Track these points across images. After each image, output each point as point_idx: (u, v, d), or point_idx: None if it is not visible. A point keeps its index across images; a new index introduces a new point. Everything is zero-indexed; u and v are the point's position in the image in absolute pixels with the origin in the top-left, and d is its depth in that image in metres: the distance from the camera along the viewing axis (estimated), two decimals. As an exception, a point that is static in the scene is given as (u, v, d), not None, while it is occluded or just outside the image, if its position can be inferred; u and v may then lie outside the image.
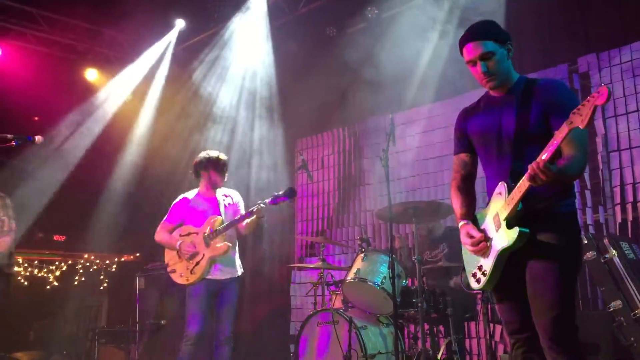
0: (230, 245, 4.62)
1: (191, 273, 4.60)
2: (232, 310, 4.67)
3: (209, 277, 4.59)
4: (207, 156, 4.80)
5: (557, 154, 2.33)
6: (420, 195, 6.57)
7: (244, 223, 4.62)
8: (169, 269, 4.77)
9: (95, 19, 7.83)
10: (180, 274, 4.66)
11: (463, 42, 2.70)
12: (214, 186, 4.83)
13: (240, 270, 4.80)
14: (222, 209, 4.77)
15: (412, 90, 6.63)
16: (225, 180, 4.88)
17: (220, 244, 4.59)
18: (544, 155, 2.29)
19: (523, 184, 2.39)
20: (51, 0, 7.34)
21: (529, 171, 2.31)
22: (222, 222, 4.64)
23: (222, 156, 4.83)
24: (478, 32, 2.67)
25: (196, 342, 4.46)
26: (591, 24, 5.56)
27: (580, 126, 2.16)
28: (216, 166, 4.76)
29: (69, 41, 8.17)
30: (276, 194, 4.40)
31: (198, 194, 4.87)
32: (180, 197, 4.93)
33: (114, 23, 7.73)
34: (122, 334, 6.86)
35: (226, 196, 4.89)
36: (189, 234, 4.71)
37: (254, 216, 4.48)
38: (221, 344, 4.59)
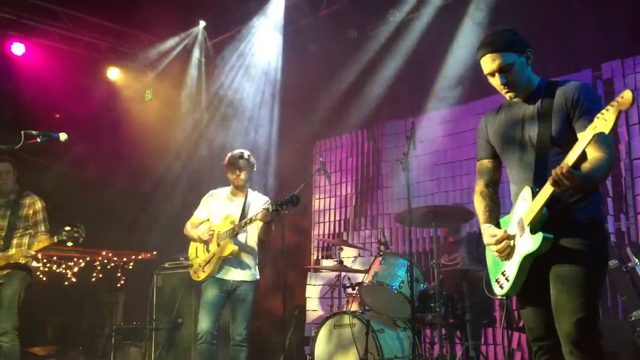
0: (237, 247, 4.56)
1: (202, 270, 4.64)
2: (244, 312, 4.60)
3: (219, 276, 4.59)
4: (226, 156, 4.83)
5: (582, 158, 2.30)
6: (439, 199, 6.55)
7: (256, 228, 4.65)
8: (188, 264, 4.88)
9: (118, 18, 7.91)
10: (195, 270, 4.74)
11: (481, 53, 2.65)
12: (235, 185, 4.83)
13: (255, 275, 4.72)
14: (246, 211, 4.71)
15: (432, 94, 6.60)
16: (243, 178, 4.78)
17: (228, 245, 4.57)
18: (568, 160, 2.26)
19: (547, 189, 2.36)
20: (76, -1, 7.42)
21: (552, 176, 2.28)
22: (236, 224, 4.61)
23: (235, 154, 4.78)
24: (495, 43, 2.60)
25: (208, 341, 4.47)
26: (616, 29, 5.49)
27: (605, 131, 2.13)
28: (227, 165, 4.77)
29: (92, 40, 8.26)
30: (280, 200, 4.34)
31: (228, 193, 4.89)
32: (211, 192, 4.97)
33: (137, 23, 7.80)
34: (139, 331, 6.88)
35: (256, 200, 4.84)
36: (210, 231, 4.74)
37: (257, 220, 4.45)
38: (235, 345, 4.56)
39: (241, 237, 4.66)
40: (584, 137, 2.22)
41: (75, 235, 4.73)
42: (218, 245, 4.61)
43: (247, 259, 4.68)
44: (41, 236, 4.97)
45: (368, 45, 7.11)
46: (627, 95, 2.06)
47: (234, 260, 4.61)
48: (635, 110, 5.38)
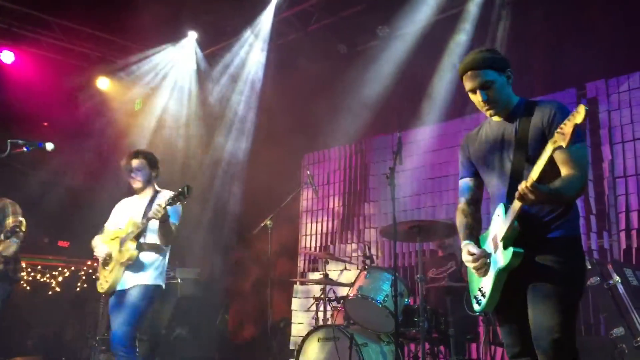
0: (135, 252, 4.16)
1: (106, 281, 4.25)
2: (126, 314, 4.09)
3: (120, 287, 4.19)
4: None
5: (550, 173, 2.41)
6: (426, 214, 6.59)
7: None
8: (96, 277, 4.44)
9: (109, 28, 7.92)
10: (100, 282, 4.32)
11: (462, 71, 2.72)
12: (135, 189, 4.48)
13: (152, 279, 4.22)
14: (147, 212, 4.25)
15: (420, 109, 6.67)
16: (141, 180, 4.40)
17: (127, 251, 4.17)
18: (532, 175, 2.34)
19: (516, 203, 2.43)
20: (67, 8, 7.42)
21: (518, 190, 2.36)
22: (136, 226, 4.22)
23: (129, 154, 4.44)
24: (477, 61, 2.67)
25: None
26: (601, 49, 5.59)
27: (563, 145, 2.23)
28: (123, 170, 4.44)
29: (82, 49, 8.26)
30: (172, 195, 4.03)
31: (135, 197, 4.53)
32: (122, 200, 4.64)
33: (128, 33, 7.82)
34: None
35: (160, 199, 4.31)
36: (116, 238, 4.34)
37: (150, 221, 4.11)
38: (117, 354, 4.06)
39: (142, 241, 4.25)
40: (545, 152, 2.32)
41: (17, 230, 4.58)
42: (120, 252, 4.22)
43: (147, 262, 4.22)
44: None
45: (357, 60, 7.18)
46: (580, 109, 2.18)
47: (133, 266, 4.19)
48: (619, 129, 5.47)
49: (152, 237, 4.27)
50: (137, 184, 4.42)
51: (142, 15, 6.86)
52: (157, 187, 4.51)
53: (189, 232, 7.62)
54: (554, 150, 2.28)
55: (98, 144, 8.58)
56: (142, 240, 4.24)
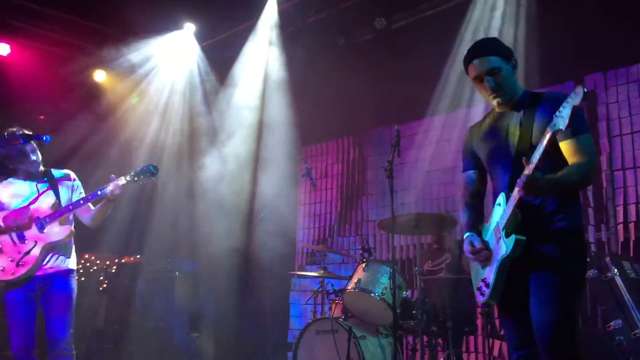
0: (73, 230, 4.00)
1: (20, 264, 3.81)
2: (64, 306, 3.88)
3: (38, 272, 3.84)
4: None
5: (552, 163, 2.42)
6: (423, 207, 6.58)
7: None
8: None
9: (106, 20, 7.86)
10: (2, 267, 3.82)
11: (468, 59, 2.70)
12: (30, 173, 4.10)
13: (71, 263, 4.02)
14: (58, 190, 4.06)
15: (418, 102, 6.65)
16: (37, 160, 4.08)
17: (56, 229, 3.91)
18: (531, 164, 2.34)
19: (516, 193, 2.43)
20: (63, 0, 7.37)
21: (518, 181, 2.36)
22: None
23: (16, 134, 3.94)
24: (483, 48, 2.68)
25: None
26: (599, 42, 5.58)
27: (562, 127, 2.23)
28: (13, 155, 3.98)
29: (78, 42, 8.20)
30: (136, 171, 3.98)
31: (19, 180, 4.10)
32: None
33: (125, 25, 7.76)
34: (120, 335, 6.84)
35: (58, 176, 4.18)
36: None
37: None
38: (58, 354, 3.83)
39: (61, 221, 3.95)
40: (544, 137, 2.32)
41: None
42: (41, 230, 3.86)
43: (66, 245, 3.99)
44: None
45: (355, 52, 7.15)
46: (578, 90, 2.20)
47: (58, 248, 3.91)
48: (617, 122, 5.47)
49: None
50: (36, 166, 4.05)
51: (140, 8, 6.83)
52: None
53: (192, 224, 7.64)
54: (554, 133, 2.28)
55: (95, 136, 8.53)
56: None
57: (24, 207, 3.95)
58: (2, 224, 3.87)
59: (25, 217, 3.88)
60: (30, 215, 3.90)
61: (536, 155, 2.34)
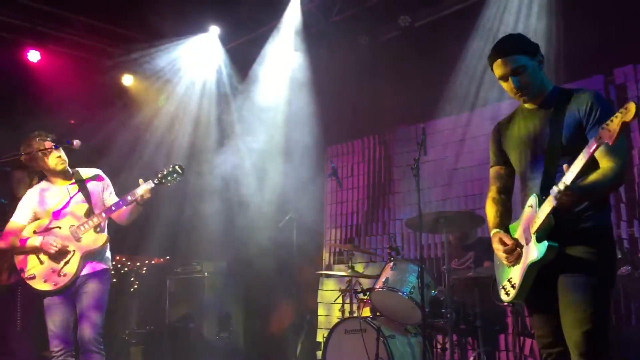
0: (107, 236, 4.09)
1: (61, 275, 3.93)
2: (95, 306, 3.98)
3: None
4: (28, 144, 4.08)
5: (587, 169, 2.31)
6: (450, 205, 6.54)
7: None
8: (26, 275, 3.96)
9: (133, 26, 7.99)
10: (45, 279, 3.93)
11: (493, 58, 2.67)
12: (56, 172, 4.17)
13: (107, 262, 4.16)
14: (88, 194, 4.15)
15: (443, 100, 6.61)
16: (65, 158, 4.16)
17: (96, 236, 4.04)
18: (569, 175, 2.27)
19: (549, 202, 2.37)
20: (90, 6, 7.49)
21: (553, 194, 2.31)
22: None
23: (40, 134, 4.07)
24: (507, 47, 2.64)
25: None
26: (628, 34, 5.47)
27: (609, 142, 2.14)
28: (38, 154, 4.05)
29: (105, 47, 8.34)
30: (164, 172, 4.01)
31: (49, 184, 4.22)
32: (29, 191, 4.20)
33: (152, 30, 7.86)
34: (152, 336, 6.94)
35: (88, 176, 4.27)
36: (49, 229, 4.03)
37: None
38: (87, 352, 3.92)
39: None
40: (588, 149, 2.23)
41: None
42: (78, 240, 3.98)
43: (102, 249, 4.11)
44: None
45: (379, 51, 7.13)
46: (631, 107, 2.07)
47: (95, 255, 4.05)
48: (649, 115, 5.34)
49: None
50: (63, 163, 4.11)
51: (164, 11, 6.91)
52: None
53: (210, 224, 7.70)
54: (598, 147, 2.20)
55: (124, 139, 8.65)
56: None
57: (57, 211, 4.07)
58: (41, 241, 3.93)
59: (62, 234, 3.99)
60: (69, 229, 4.00)
61: (574, 169, 2.26)
